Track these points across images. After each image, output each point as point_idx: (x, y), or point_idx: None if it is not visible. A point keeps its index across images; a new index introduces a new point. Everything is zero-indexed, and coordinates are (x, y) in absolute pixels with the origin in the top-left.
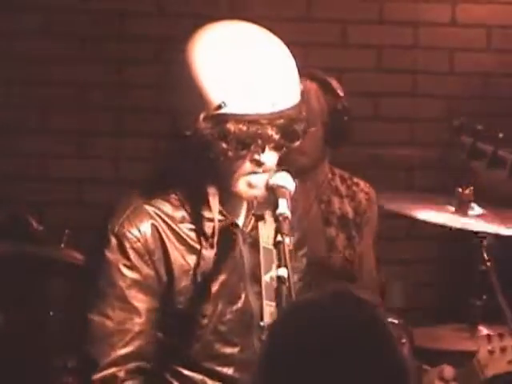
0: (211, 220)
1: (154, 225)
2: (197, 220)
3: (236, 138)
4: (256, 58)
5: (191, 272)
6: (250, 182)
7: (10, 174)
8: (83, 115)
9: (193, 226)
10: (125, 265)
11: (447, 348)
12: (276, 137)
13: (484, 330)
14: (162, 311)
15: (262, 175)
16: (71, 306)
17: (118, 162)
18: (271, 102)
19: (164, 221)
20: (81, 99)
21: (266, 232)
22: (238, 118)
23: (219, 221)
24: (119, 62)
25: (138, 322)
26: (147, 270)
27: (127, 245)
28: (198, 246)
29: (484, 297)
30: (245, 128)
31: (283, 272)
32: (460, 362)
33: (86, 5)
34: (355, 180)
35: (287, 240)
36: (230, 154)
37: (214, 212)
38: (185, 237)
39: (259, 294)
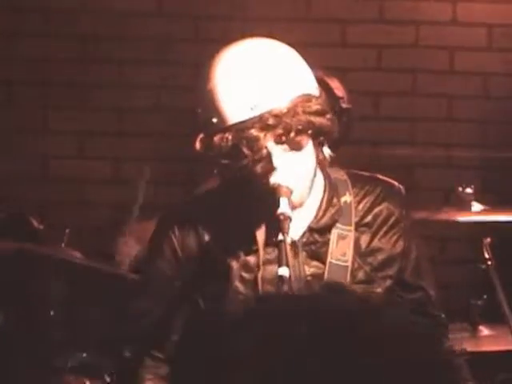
0: (256, 251)
1: (196, 231)
2: (246, 230)
3: (224, 148)
4: (237, 66)
5: (228, 277)
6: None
7: (11, 174)
8: (83, 115)
9: (241, 236)
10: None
11: None
12: (261, 135)
13: (485, 330)
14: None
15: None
16: (71, 305)
17: (119, 162)
18: (250, 106)
19: (209, 226)
20: (81, 99)
21: (340, 249)
22: (223, 130)
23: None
24: (119, 62)
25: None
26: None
27: (167, 244)
28: (240, 253)
29: (484, 296)
30: (230, 136)
31: (284, 271)
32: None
33: (86, 5)
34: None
35: (288, 239)
36: (230, 165)
37: (259, 243)
38: (228, 244)
39: None
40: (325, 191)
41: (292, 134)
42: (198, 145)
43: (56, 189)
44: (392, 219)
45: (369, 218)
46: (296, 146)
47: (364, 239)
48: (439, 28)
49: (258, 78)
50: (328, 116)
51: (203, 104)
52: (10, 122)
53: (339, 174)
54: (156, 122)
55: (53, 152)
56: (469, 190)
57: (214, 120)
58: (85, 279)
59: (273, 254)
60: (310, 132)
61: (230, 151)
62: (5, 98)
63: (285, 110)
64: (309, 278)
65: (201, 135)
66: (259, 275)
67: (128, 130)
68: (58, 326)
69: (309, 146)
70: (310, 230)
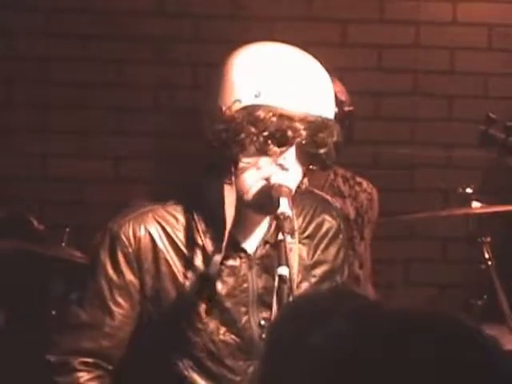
0: (219, 240)
1: (151, 235)
2: (203, 238)
3: (264, 126)
4: (299, 64)
5: (183, 287)
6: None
7: (11, 174)
8: (83, 115)
9: (197, 244)
10: (112, 266)
11: None
12: (303, 133)
13: (484, 330)
14: (149, 321)
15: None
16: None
17: (118, 161)
18: (305, 103)
19: (166, 233)
20: (81, 99)
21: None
22: (269, 109)
23: (226, 243)
24: (119, 62)
25: (109, 324)
26: (131, 278)
27: (119, 248)
28: (197, 263)
29: (485, 296)
30: (275, 118)
31: (284, 271)
32: None
33: (86, 5)
34: (358, 179)
35: (288, 239)
36: (257, 142)
37: (225, 233)
38: (184, 252)
39: (265, 320)
40: None
41: (322, 151)
42: (235, 108)
43: (56, 188)
44: (331, 231)
45: (310, 230)
46: (304, 162)
47: (307, 251)
48: (440, 28)
49: (322, 81)
50: (337, 152)
51: (252, 72)
52: (10, 121)
53: None
54: (156, 122)
55: (52, 151)
56: (469, 190)
57: (261, 94)
58: (85, 278)
59: (237, 262)
60: (324, 156)
61: (271, 130)
62: (5, 98)
63: (327, 122)
64: (260, 290)
65: (238, 102)
66: (218, 289)
67: (128, 129)
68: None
69: (302, 168)
70: (265, 243)
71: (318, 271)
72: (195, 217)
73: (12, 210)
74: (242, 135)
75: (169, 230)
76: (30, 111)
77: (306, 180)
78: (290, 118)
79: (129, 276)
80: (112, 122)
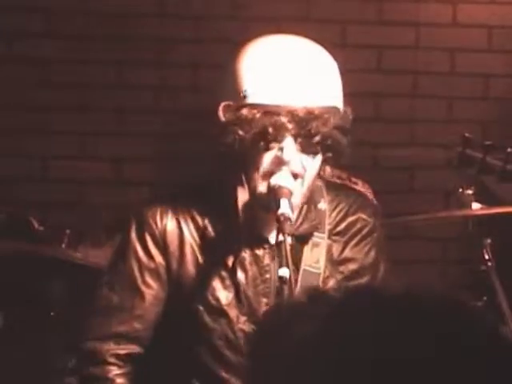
0: (237, 233)
1: (178, 220)
2: (224, 231)
3: (249, 125)
4: (286, 57)
5: (206, 273)
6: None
7: (11, 175)
8: (83, 115)
9: (219, 236)
10: (141, 248)
11: None
12: (289, 126)
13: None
14: (171, 307)
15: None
16: (72, 306)
17: (119, 162)
18: (292, 96)
19: (191, 220)
20: (81, 99)
21: (313, 256)
22: (254, 107)
23: (247, 235)
24: (119, 63)
25: (139, 306)
26: (160, 259)
27: (146, 231)
28: (219, 251)
29: (484, 298)
30: (259, 115)
31: (285, 272)
32: None
33: (86, 5)
34: (353, 180)
35: (289, 240)
36: (246, 141)
37: (241, 225)
38: (208, 240)
39: None
40: (305, 197)
41: (317, 139)
42: (222, 111)
43: (56, 190)
44: (365, 229)
45: (342, 227)
46: (311, 151)
47: (336, 248)
48: (439, 29)
49: (307, 73)
50: (348, 137)
51: (240, 72)
52: (10, 122)
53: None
54: (156, 123)
55: (53, 152)
56: (469, 192)
57: (248, 93)
58: (85, 279)
59: (260, 252)
60: (328, 143)
61: (255, 129)
62: (4, 99)
63: (318, 113)
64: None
65: (226, 102)
66: (239, 277)
67: (128, 130)
68: (58, 326)
69: (318, 157)
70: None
71: (346, 268)
72: (216, 210)
73: (12, 211)
74: (230, 137)
75: (194, 216)
76: (29, 111)
77: (328, 168)
78: (276, 114)
79: (158, 258)
80: (112, 124)
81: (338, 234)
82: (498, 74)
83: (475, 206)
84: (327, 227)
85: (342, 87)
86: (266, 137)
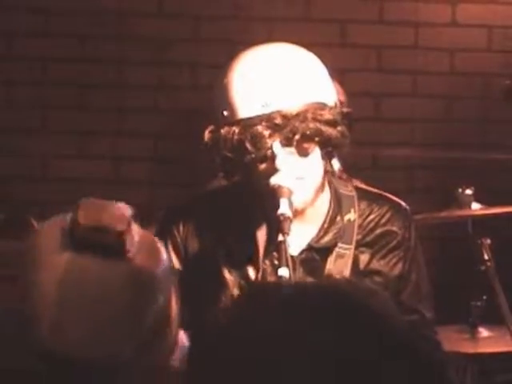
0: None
1: (199, 221)
2: (245, 240)
3: (230, 142)
4: (256, 65)
5: (224, 281)
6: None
7: (11, 174)
8: (83, 115)
9: (241, 239)
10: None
11: (447, 349)
12: (266, 133)
13: (484, 332)
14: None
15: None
16: None
17: (118, 162)
18: (261, 103)
19: (212, 222)
20: (81, 99)
21: (337, 267)
22: (231, 123)
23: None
24: (119, 62)
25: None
26: (177, 265)
27: (168, 235)
28: (240, 259)
29: (484, 297)
30: (237, 130)
31: (284, 272)
32: (460, 364)
33: (86, 5)
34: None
35: (288, 240)
36: (233, 160)
37: (260, 238)
38: (228, 246)
39: None
40: (329, 208)
41: (297, 138)
42: (206, 136)
43: (56, 189)
44: (394, 242)
45: (371, 237)
46: (302, 151)
47: (363, 259)
48: (439, 29)
49: (272, 77)
50: (339, 128)
51: (217, 97)
52: (10, 122)
53: (347, 189)
54: (156, 123)
55: (53, 152)
56: (468, 191)
57: (225, 113)
58: None
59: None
60: (317, 140)
61: (235, 145)
62: (5, 98)
63: (294, 113)
64: None
65: (210, 127)
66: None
67: (128, 130)
68: None
69: (316, 155)
70: (310, 248)
71: (371, 281)
72: (238, 212)
73: (12, 210)
74: (217, 159)
75: (216, 218)
76: (29, 111)
77: (334, 162)
78: (253, 125)
79: (175, 263)
80: (112, 123)
81: (366, 245)
82: (497, 74)
83: (475, 206)
84: (355, 237)
85: (327, 81)
86: (248, 150)
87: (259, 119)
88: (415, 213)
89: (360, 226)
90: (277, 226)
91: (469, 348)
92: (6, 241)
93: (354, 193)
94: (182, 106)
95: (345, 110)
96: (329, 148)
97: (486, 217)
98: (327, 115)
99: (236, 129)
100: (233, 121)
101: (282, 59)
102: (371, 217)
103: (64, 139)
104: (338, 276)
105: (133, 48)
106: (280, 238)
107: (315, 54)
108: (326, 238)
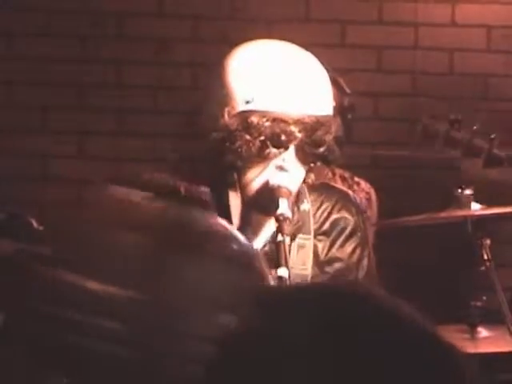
0: None
1: None
2: None
3: (258, 131)
4: (291, 64)
5: None
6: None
7: (10, 174)
8: (83, 115)
9: None
10: None
11: None
12: (298, 135)
13: (484, 332)
14: None
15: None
16: None
17: (118, 162)
18: (298, 105)
19: None
20: (81, 99)
21: (300, 258)
22: (262, 114)
23: None
24: (119, 63)
25: None
26: None
27: None
28: None
29: (484, 297)
30: (268, 123)
31: (284, 272)
32: None
33: (86, 5)
34: (356, 179)
35: (287, 240)
36: (253, 148)
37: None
38: None
39: None
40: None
41: (321, 149)
42: (228, 116)
43: (56, 189)
44: (349, 229)
45: (326, 226)
46: (308, 161)
47: (322, 248)
48: (438, 29)
49: (313, 83)
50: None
51: (243, 80)
52: (10, 122)
53: None
54: (156, 123)
55: (52, 152)
56: (468, 191)
57: (254, 99)
58: None
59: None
60: (321, 150)
61: (267, 135)
62: (5, 98)
63: (322, 120)
64: None
65: (232, 109)
66: None
67: (128, 130)
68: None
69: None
70: (273, 240)
71: (332, 268)
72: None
73: (11, 210)
74: (238, 143)
75: None
76: (29, 111)
77: (312, 175)
78: (284, 121)
79: None
80: (111, 123)
81: (323, 233)
82: (497, 74)
83: (475, 206)
84: (312, 227)
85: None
86: (273, 143)
87: (292, 119)
88: (415, 213)
89: (315, 216)
90: (276, 226)
91: (469, 348)
92: (5, 241)
93: (302, 185)
94: (181, 106)
95: (348, 102)
96: (317, 161)
97: (485, 217)
98: (338, 132)
99: (267, 121)
100: (263, 111)
101: (315, 67)
102: (323, 206)
103: (64, 139)
104: (302, 267)
105: (133, 48)
106: (279, 238)
107: (315, 54)
108: (287, 230)
